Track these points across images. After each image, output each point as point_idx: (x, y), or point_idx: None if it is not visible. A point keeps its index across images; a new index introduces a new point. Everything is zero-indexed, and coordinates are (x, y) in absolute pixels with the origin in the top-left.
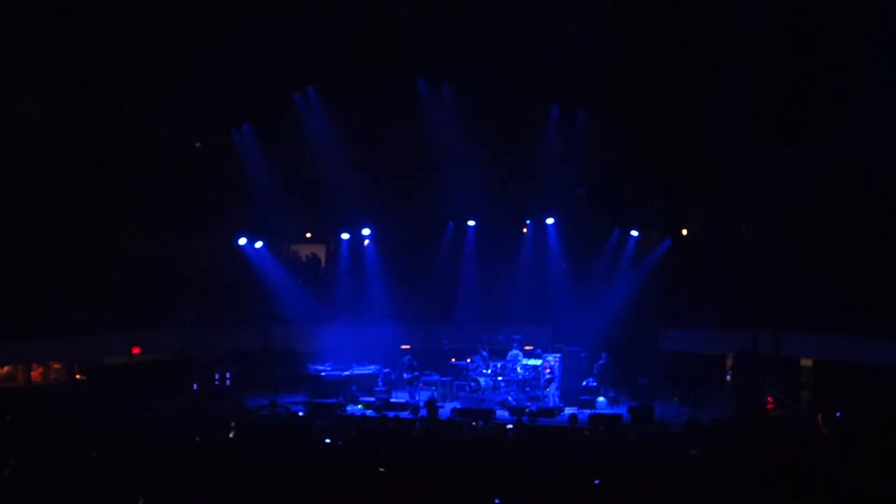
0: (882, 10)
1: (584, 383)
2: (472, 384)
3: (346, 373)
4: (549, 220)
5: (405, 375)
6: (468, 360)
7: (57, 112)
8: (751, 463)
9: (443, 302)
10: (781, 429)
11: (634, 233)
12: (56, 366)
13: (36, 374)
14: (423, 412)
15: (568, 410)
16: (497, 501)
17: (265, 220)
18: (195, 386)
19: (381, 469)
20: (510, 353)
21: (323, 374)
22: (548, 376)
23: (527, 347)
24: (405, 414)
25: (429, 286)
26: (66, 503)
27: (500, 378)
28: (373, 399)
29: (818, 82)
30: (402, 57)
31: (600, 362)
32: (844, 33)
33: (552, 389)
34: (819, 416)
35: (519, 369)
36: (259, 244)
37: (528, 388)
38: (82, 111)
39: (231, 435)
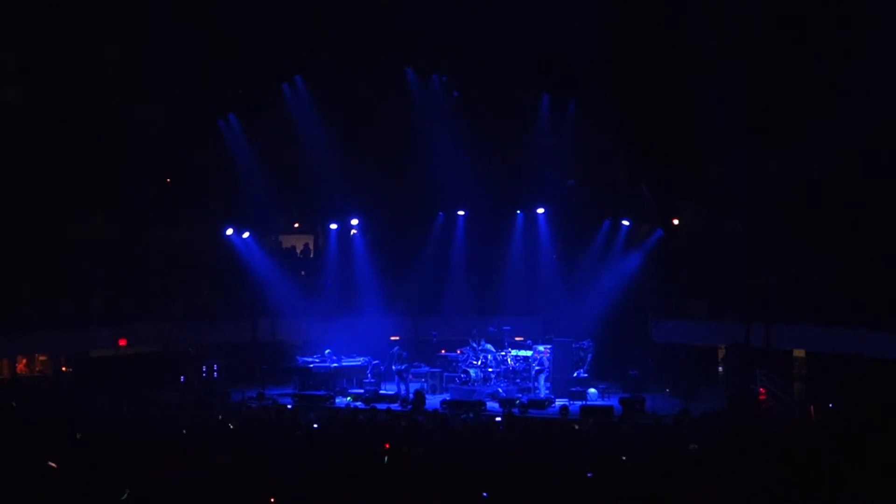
0: (869, 6)
1: (575, 374)
2: (462, 376)
3: (335, 365)
4: (540, 211)
5: (394, 367)
6: (458, 352)
7: (41, 102)
8: (743, 454)
9: (432, 293)
10: (773, 420)
11: (625, 223)
12: (41, 358)
13: (21, 366)
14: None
15: (559, 402)
16: (485, 495)
17: (252, 211)
18: (182, 378)
19: (372, 460)
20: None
21: (311, 366)
22: (537, 368)
23: (517, 338)
24: (395, 406)
25: (418, 276)
26: (51, 496)
27: (490, 370)
28: (361, 391)
29: (809, 75)
30: (391, 46)
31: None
32: (833, 27)
33: (542, 380)
34: (811, 407)
35: (510, 360)
36: (246, 235)
37: (518, 380)
38: (66, 101)
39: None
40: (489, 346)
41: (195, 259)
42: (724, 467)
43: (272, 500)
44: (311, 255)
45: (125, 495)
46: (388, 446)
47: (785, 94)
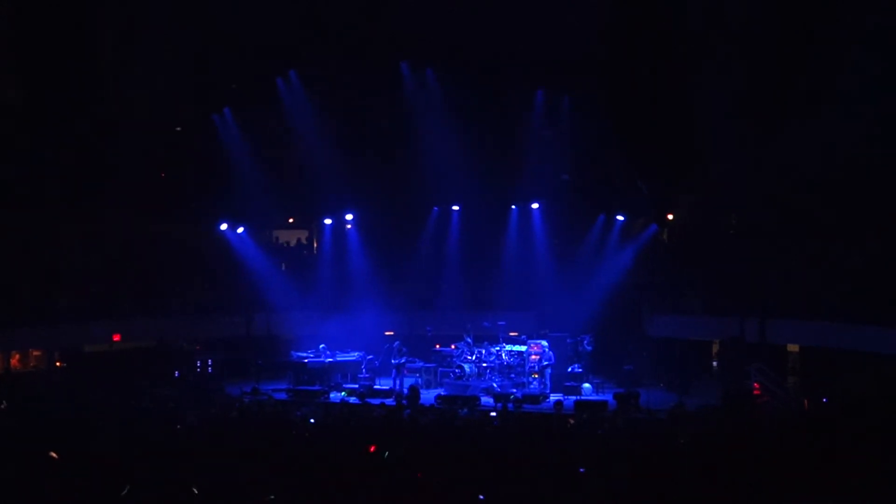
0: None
1: (570, 369)
2: (457, 371)
3: (330, 360)
4: (535, 205)
5: (393, 361)
6: (452, 347)
7: (37, 98)
8: (737, 449)
9: (426, 288)
10: (768, 415)
11: (620, 218)
12: (35, 353)
13: (14, 360)
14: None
15: (553, 397)
16: (481, 497)
17: (247, 206)
18: (177, 374)
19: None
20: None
21: (306, 361)
22: (543, 363)
23: (511, 333)
24: (389, 401)
25: (412, 271)
26: (47, 493)
27: (484, 365)
28: (356, 386)
29: (804, 69)
30: (386, 41)
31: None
32: (830, 20)
33: (548, 375)
34: (806, 401)
35: (504, 355)
36: (241, 230)
37: (512, 375)
38: (62, 97)
39: None
40: (493, 349)
41: (190, 254)
42: (719, 462)
43: (270, 496)
44: (305, 251)
45: (125, 491)
46: (372, 449)
47: (782, 88)
